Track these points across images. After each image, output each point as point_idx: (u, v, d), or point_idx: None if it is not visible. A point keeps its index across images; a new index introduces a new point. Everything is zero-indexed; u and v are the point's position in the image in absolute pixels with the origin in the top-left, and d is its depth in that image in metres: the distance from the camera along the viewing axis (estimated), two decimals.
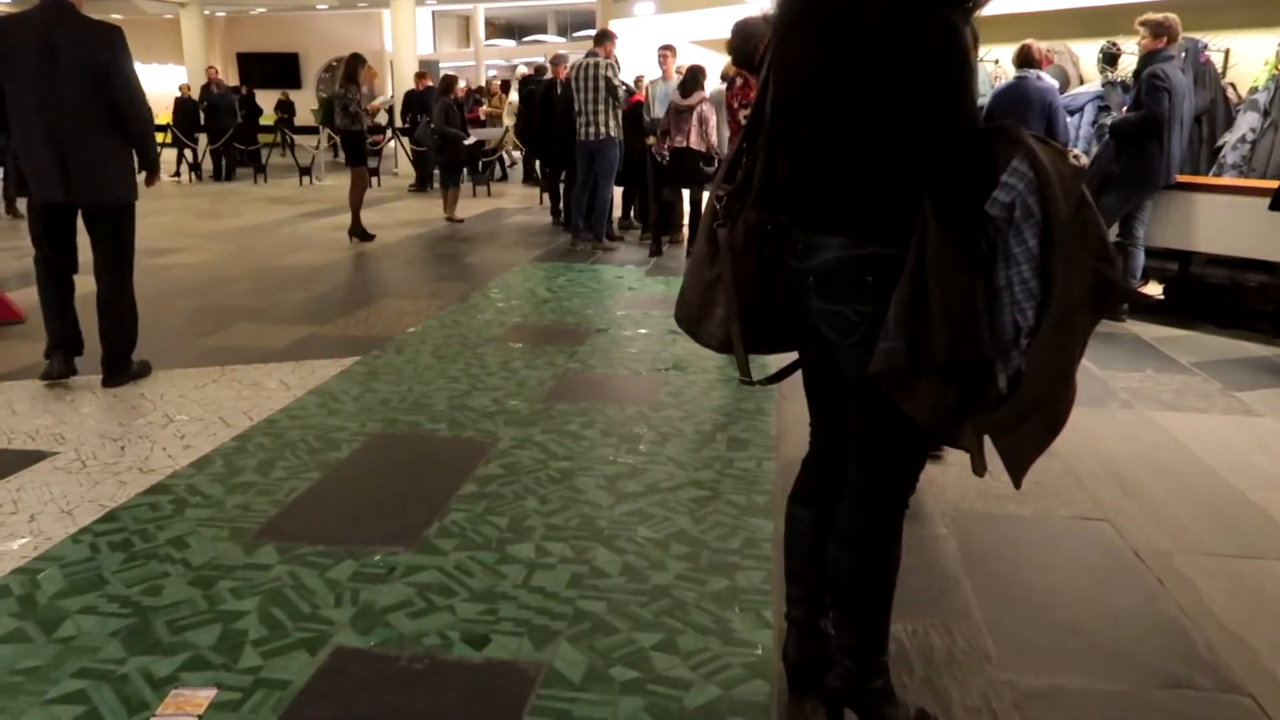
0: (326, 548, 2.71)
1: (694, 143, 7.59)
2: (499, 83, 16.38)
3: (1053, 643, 2.31)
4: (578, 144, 8.11)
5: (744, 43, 4.50)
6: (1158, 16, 5.47)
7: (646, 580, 2.55)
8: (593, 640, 2.26)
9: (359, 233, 8.80)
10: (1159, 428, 3.80)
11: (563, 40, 28.19)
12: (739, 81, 6.26)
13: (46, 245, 4.17)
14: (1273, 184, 5.61)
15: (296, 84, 25.00)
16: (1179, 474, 3.35)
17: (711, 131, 7.60)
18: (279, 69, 26.22)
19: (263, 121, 18.46)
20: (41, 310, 4.26)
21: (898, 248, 1.63)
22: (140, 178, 4.37)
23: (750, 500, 3.06)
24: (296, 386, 4.25)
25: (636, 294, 6.46)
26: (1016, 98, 5.59)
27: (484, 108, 15.67)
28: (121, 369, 4.28)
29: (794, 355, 1.98)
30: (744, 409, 3.97)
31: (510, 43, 31.59)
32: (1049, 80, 5.80)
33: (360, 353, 4.82)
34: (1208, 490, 3.22)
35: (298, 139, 16.88)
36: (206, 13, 21.37)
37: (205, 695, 2.05)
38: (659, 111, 8.35)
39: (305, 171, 14.66)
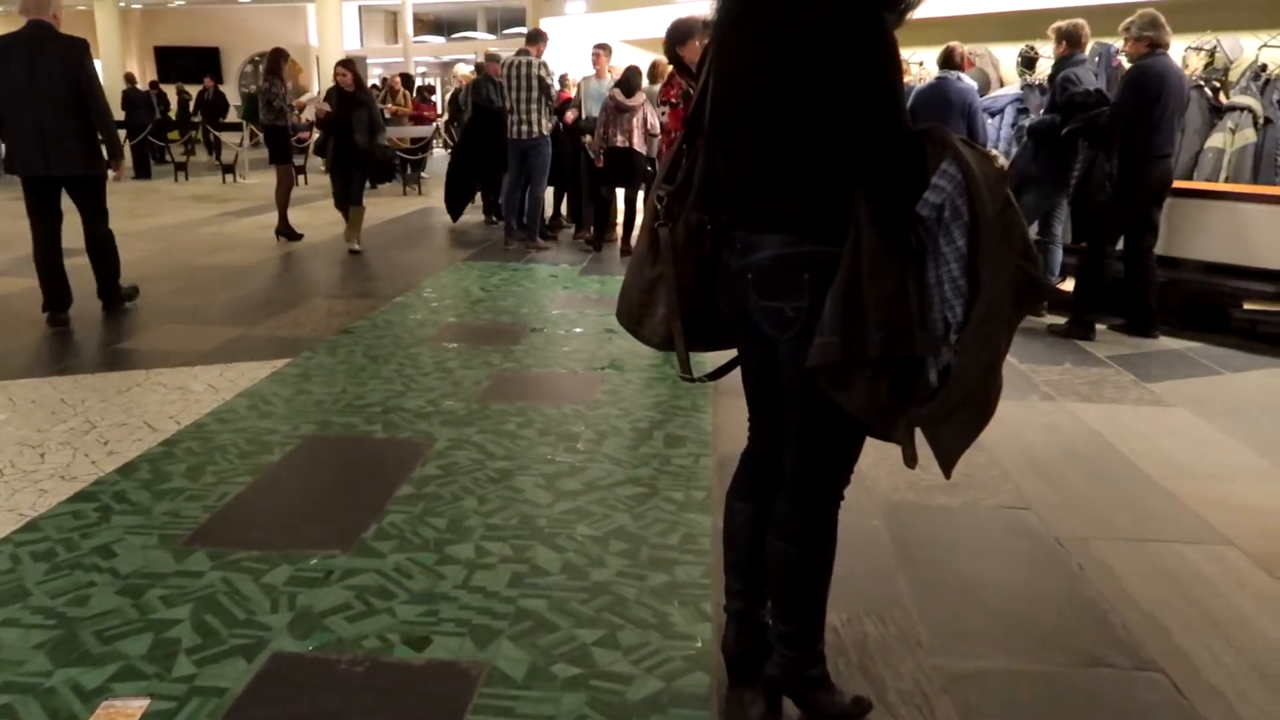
0: (261, 553, 2.67)
1: (636, 143, 7.59)
2: (399, 78, 16.01)
3: (980, 627, 2.39)
4: (510, 143, 8.07)
5: (672, 41, 4.55)
6: (1069, 23, 5.67)
7: (587, 577, 2.57)
8: (534, 638, 2.27)
9: (286, 232, 8.63)
10: (1077, 419, 3.95)
11: (493, 37, 27.93)
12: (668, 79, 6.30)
13: (35, 214, 5.29)
14: (1182, 184, 5.87)
15: (219, 79, 24.35)
16: (1096, 463, 3.50)
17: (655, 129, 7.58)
18: (199, 64, 25.48)
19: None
20: (37, 271, 5.31)
21: (833, 246, 1.68)
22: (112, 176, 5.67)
23: (688, 496, 3.10)
24: (225, 389, 4.16)
25: (571, 293, 6.47)
26: (938, 98, 5.75)
27: (390, 105, 15.34)
28: (114, 294, 5.65)
29: (732, 352, 2.02)
30: (680, 406, 4.01)
31: (439, 39, 31.19)
32: (969, 82, 5.98)
33: (291, 354, 4.73)
34: (1123, 478, 3.36)
35: (221, 136, 16.45)
36: (122, 5, 20.69)
37: (138, 705, 2.01)
38: (593, 110, 8.35)
39: (228, 169, 14.30)
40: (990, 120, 6.90)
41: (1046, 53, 6.68)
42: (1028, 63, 7.36)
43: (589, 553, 2.71)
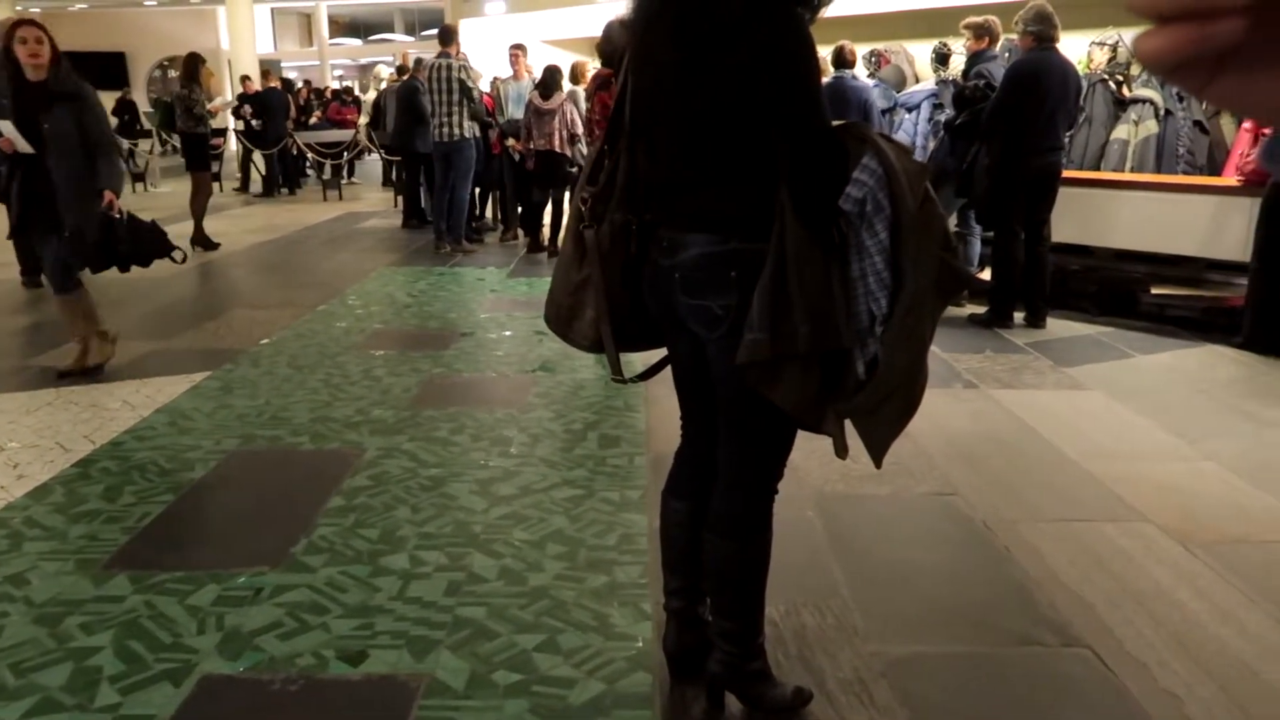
0: (186, 573, 2.58)
1: (557, 145, 7.54)
2: (305, 84, 15.84)
3: (914, 612, 2.44)
4: (434, 145, 7.97)
5: (608, 44, 4.54)
6: (979, 19, 5.82)
7: (525, 582, 2.55)
8: (474, 646, 2.24)
9: (202, 241, 8.37)
10: (1000, 405, 4.06)
11: (411, 39, 27.55)
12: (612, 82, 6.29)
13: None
14: (1090, 174, 6.08)
15: (124, 85, 23.50)
16: (1019, 447, 3.60)
17: (579, 130, 7.54)
18: (104, 69, 24.57)
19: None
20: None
21: (759, 242, 1.69)
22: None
23: (624, 496, 3.10)
24: (142, 406, 4.02)
25: (500, 296, 6.41)
26: (835, 97, 5.87)
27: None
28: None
29: (663, 351, 2.02)
30: (613, 406, 4.01)
31: (356, 41, 30.64)
32: (865, 80, 6.10)
33: (211, 367, 4.60)
34: (1045, 461, 3.46)
35: (129, 143, 15.88)
36: (19, 8, 19.85)
37: None
38: (513, 112, 8.29)
39: (139, 178, 13.83)
40: (907, 116, 7.06)
41: (959, 49, 6.86)
42: (941, 59, 7.54)
43: (526, 557, 2.69)
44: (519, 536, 2.81)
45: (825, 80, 6.43)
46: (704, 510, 1.98)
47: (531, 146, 7.64)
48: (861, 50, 7.12)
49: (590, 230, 1.93)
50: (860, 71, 6.97)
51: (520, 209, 8.61)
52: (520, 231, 8.67)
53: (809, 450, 3.24)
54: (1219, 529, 2.89)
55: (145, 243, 4.48)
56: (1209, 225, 5.50)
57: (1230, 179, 5.73)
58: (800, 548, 2.74)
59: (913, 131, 7.05)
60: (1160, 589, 2.55)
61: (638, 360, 2.07)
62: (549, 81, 7.58)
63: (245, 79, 13.44)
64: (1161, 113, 6.52)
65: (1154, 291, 5.75)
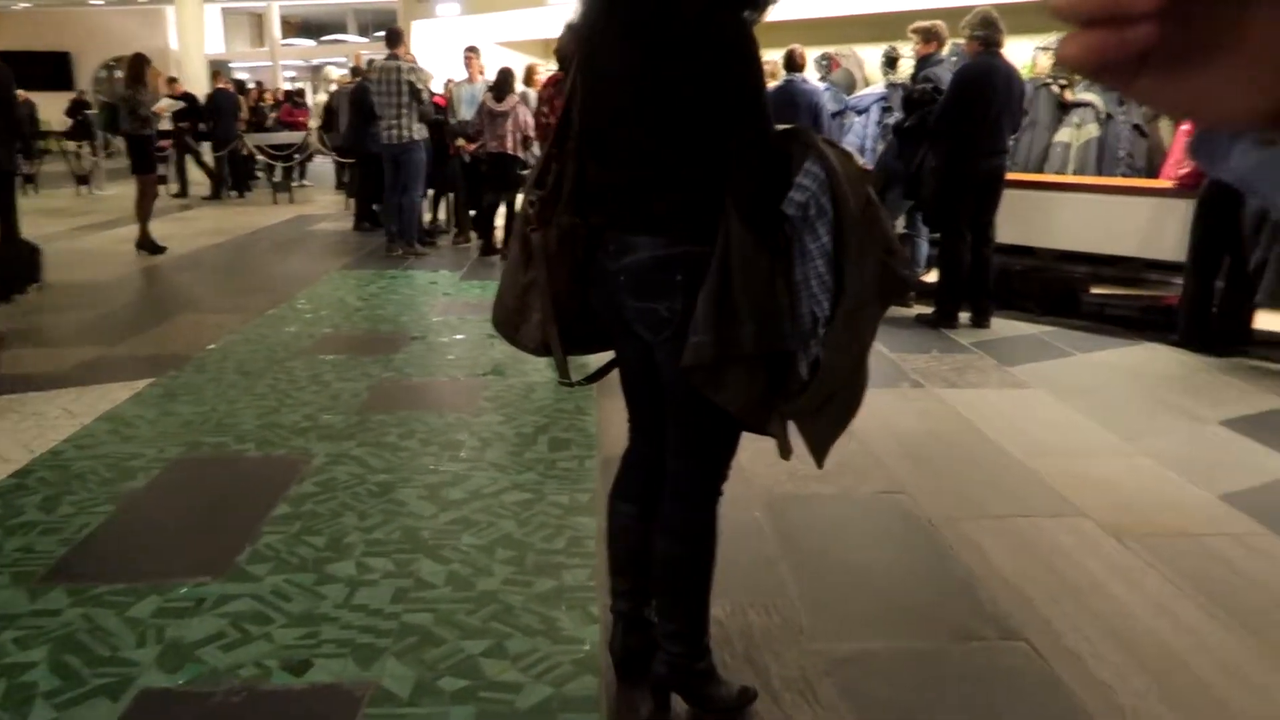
0: (125, 585, 2.54)
1: (510, 147, 7.51)
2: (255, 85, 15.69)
3: (859, 610, 2.48)
4: (383, 148, 7.90)
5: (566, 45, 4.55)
6: (927, 23, 5.91)
7: (472, 588, 2.54)
8: (420, 653, 2.24)
9: (148, 245, 8.21)
10: (944, 404, 4.13)
11: (364, 40, 27.27)
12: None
13: None
14: (1034, 177, 6.21)
15: (69, 85, 22.97)
16: (963, 445, 3.66)
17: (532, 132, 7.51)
18: (48, 70, 24.00)
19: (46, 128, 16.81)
20: None
21: (705, 246, 1.71)
22: None
23: (574, 499, 3.10)
24: (83, 413, 3.94)
25: (452, 299, 6.38)
26: (785, 100, 5.94)
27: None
28: None
29: (611, 354, 2.03)
30: (564, 409, 4.01)
31: (309, 42, 30.26)
32: (814, 84, 6.18)
33: (156, 373, 4.51)
34: (988, 459, 3.53)
35: (72, 144, 15.52)
36: None
37: None
38: (466, 114, 8.24)
39: (83, 180, 13.52)
40: (857, 119, 7.14)
41: (908, 53, 6.96)
42: (890, 62, 7.64)
43: (474, 562, 2.68)
44: (467, 542, 2.81)
45: (776, 84, 6.54)
46: (652, 512, 2.00)
47: (484, 148, 7.61)
48: (813, 54, 7.20)
49: (537, 233, 1.94)
50: (811, 75, 7.05)
51: (473, 212, 8.57)
52: (473, 234, 8.62)
53: (756, 451, 3.26)
54: (1154, 523, 2.97)
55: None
56: (1146, 226, 5.64)
57: (1167, 181, 5.88)
58: (748, 548, 2.77)
59: (862, 134, 7.14)
60: (1096, 582, 2.62)
61: (590, 362, 2.07)
62: (502, 83, 7.56)
63: (173, 80, 13.21)
64: (1103, 116, 6.66)
65: (1094, 291, 5.88)
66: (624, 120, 1.78)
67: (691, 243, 1.74)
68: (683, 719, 2.03)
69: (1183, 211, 5.28)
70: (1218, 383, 4.47)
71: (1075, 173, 6.57)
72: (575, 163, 1.91)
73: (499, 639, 2.29)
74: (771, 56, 8.06)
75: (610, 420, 3.76)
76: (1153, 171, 6.46)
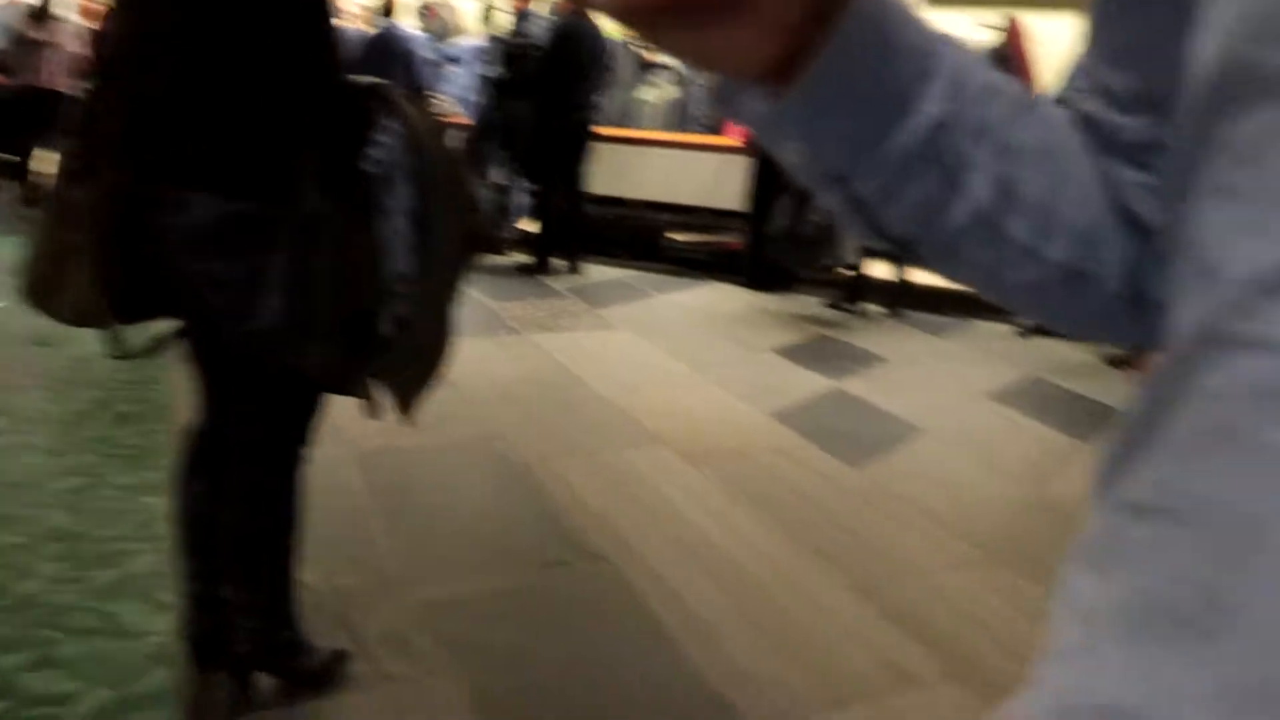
0: None
1: (47, 81, 6.44)
2: None
3: (454, 556, 2.51)
4: None
5: None
6: None
7: (8, 594, 2.19)
8: None
9: None
10: (540, 348, 4.30)
11: None
12: None
13: None
14: (620, 131, 6.58)
15: None
16: (556, 387, 3.84)
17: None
18: None
19: None
20: None
21: (271, 203, 1.58)
22: None
23: (141, 478, 2.79)
24: None
25: None
26: (381, 48, 5.80)
27: None
28: None
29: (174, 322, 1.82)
30: (130, 380, 3.57)
31: None
32: (408, 30, 6.10)
33: None
34: (579, 398, 3.74)
35: None
36: None
37: None
38: None
39: None
40: (458, 69, 7.09)
41: (505, 6, 7.01)
42: (488, 16, 7.65)
43: (13, 564, 2.31)
44: (4, 541, 2.41)
45: (372, 32, 6.28)
46: (222, 485, 1.85)
47: (10, 82, 6.47)
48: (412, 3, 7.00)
49: (75, 189, 1.66)
50: (409, 24, 6.85)
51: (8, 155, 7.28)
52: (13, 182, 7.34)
53: (347, 407, 3.18)
54: (718, 444, 3.34)
55: None
56: (715, 179, 6.26)
57: (734, 139, 6.56)
58: (339, 508, 2.67)
59: (462, 86, 7.10)
60: (671, 503, 2.89)
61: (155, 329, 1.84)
62: (41, 8, 6.45)
63: None
64: (684, 79, 7.26)
65: (668, 237, 6.44)
66: (171, 64, 1.58)
67: (256, 199, 1.60)
68: (271, 695, 1.93)
69: (745, 166, 5.92)
70: (772, 318, 5.12)
71: (657, 129, 7.11)
72: (119, 106, 1.66)
73: (44, 647, 2.01)
74: (366, 2, 7.74)
75: (188, 389, 3.42)
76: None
